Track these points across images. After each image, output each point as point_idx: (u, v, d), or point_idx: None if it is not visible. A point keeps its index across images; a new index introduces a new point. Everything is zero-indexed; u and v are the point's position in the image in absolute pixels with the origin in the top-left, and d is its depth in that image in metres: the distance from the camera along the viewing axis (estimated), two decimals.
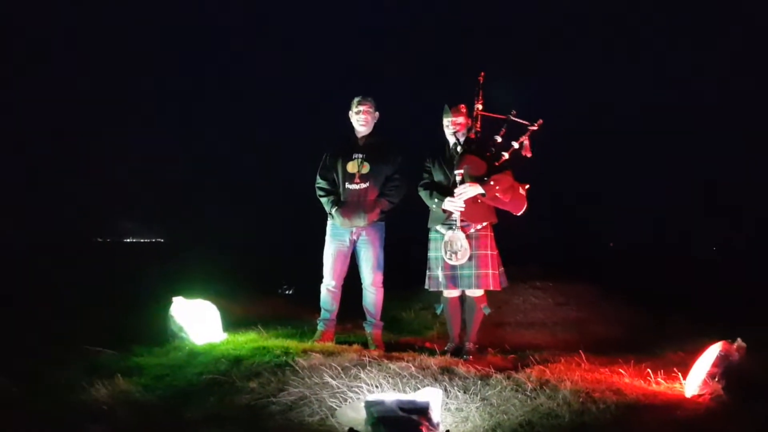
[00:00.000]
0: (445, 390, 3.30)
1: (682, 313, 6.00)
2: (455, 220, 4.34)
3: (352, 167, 4.66)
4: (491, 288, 4.40)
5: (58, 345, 4.64)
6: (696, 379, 3.29)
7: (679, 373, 3.53)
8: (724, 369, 3.19)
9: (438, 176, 4.52)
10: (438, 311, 4.70)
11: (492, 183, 4.25)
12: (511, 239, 4.84)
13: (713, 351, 3.29)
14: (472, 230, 4.36)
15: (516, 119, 4.38)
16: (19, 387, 3.64)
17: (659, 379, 3.55)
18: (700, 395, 3.19)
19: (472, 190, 4.26)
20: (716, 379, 3.17)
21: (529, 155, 4.35)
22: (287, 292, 8.45)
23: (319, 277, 4.87)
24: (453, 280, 4.40)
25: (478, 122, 4.45)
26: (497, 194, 4.26)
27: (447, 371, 3.60)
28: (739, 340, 3.30)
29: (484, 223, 4.39)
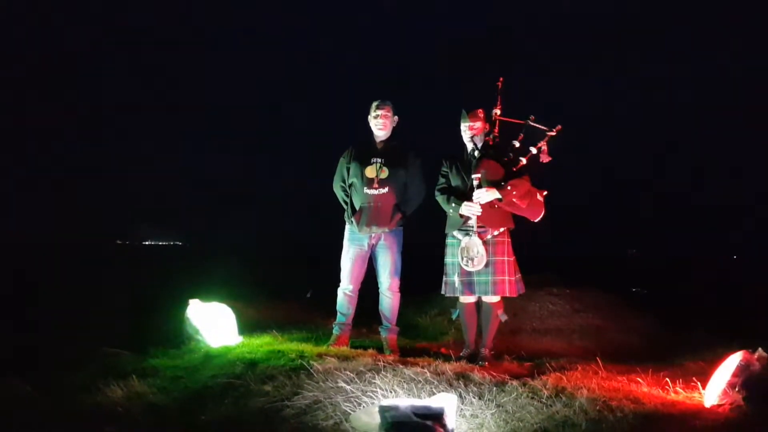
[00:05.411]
0: (460, 396, 3.27)
1: (702, 322, 5.92)
2: (472, 226, 4.32)
3: (370, 172, 4.65)
4: (507, 294, 4.36)
5: (74, 346, 4.69)
6: (715, 388, 3.24)
7: (699, 383, 3.48)
8: (745, 379, 3.13)
9: (455, 181, 4.50)
10: (454, 317, 4.67)
11: (509, 188, 4.22)
12: (528, 246, 4.80)
13: (733, 360, 3.24)
14: (489, 236, 4.33)
15: (534, 124, 4.35)
16: (36, 387, 3.68)
17: (678, 389, 3.49)
18: (719, 405, 3.14)
19: (489, 195, 4.23)
20: (736, 389, 3.11)
21: (547, 160, 4.32)
22: (307, 295, 8.40)
23: (335, 282, 4.87)
24: (469, 286, 4.37)
25: (496, 127, 4.43)
26: (514, 200, 4.23)
27: (462, 377, 3.57)
28: (760, 349, 3.24)
29: (502, 229, 4.36)
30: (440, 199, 4.53)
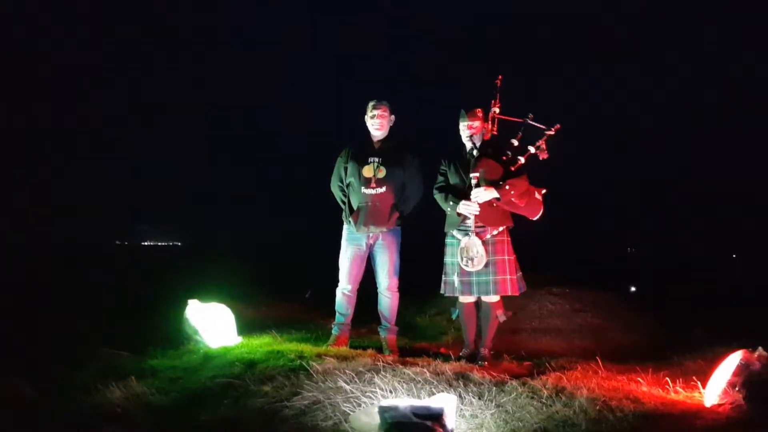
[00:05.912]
0: (460, 396, 3.26)
1: (702, 321, 5.92)
2: (470, 225, 4.31)
3: (368, 172, 4.64)
4: (510, 293, 4.35)
5: (74, 346, 4.68)
6: (716, 388, 3.23)
7: (699, 382, 3.47)
8: (745, 378, 3.12)
9: (453, 180, 4.49)
10: (453, 317, 4.67)
11: (507, 187, 4.21)
12: (527, 244, 4.80)
13: (733, 359, 3.23)
14: (489, 236, 4.32)
15: (533, 123, 4.35)
16: (35, 388, 3.67)
17: (678, 388, 3.49)
18: (719, 405, 3.13)
19: (487, 194, 4.22)
20: (736, 389, 3.11)
21: (545, 158, 4.31)
22: (306, 296, 8.38)
23: (334, 282, 4.86)
24: (469, 286, 4.36)
25: (495, 126, 4.43)
26: (513, 199, 4.22)
27: (462, 377, 3.57)
28: (760, 349, 3.23)
29: (501, 228, 4.35)
30: (438, 197, 4.53)
